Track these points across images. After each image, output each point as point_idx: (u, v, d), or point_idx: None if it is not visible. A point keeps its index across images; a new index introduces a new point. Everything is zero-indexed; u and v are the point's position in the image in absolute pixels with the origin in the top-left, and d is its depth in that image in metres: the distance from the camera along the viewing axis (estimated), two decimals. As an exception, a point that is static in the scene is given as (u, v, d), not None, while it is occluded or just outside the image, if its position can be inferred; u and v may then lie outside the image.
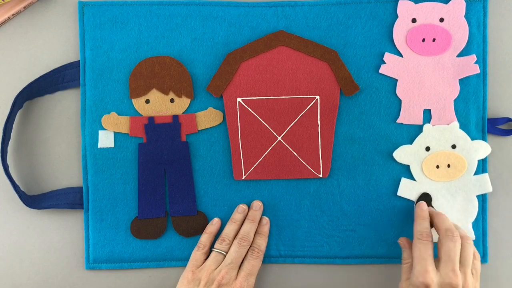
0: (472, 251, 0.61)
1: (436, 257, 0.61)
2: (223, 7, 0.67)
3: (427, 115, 0.67)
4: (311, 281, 0.68)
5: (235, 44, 0.67)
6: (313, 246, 0.68)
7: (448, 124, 0.67)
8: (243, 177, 0.67)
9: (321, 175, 0.67)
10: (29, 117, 0.68)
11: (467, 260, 0.60)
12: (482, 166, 0.67)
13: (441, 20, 0.66)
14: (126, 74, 0.67)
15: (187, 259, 0.67)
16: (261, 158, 0.67)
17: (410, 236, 0.67)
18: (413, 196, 0.67)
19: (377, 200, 0.67)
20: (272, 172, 0.67)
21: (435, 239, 0.64)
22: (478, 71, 0.66)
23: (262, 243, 0.66)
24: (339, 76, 0.66)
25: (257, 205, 0.67)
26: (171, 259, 0.68)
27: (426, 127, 0.67)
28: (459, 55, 0.66)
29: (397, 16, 0.66)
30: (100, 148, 0.67)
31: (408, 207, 0.67)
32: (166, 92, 0.67)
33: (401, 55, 0.67)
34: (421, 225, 0.62)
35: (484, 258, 0.68)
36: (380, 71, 0.67)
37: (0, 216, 0.68)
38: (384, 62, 0.67)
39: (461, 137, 0.67)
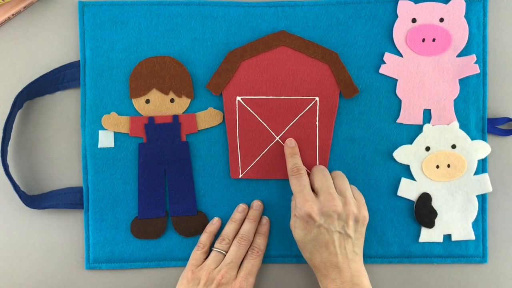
0: (346, 181, 0.64)
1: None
2: (223, 7, 0.67)
3: (427, 115, 0.67)
4: (311, 281, 0.68)
5: (235, 44, 0.67)
6: (313, 246, 0.68)
7: (448, 124, 0.67)
8: (240, 176, 0.67)
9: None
10: (29, 117, 0.68)
11: (343, 186, 0.63)
12: (482, 166, 0.67)
13: (441, 20, 0.66)
14: (126, 74, 0.67)
15: (187, 259, 0.67)
16: (258, 157, 0.67)
17: (410, 237, 0.67)
18: (413, 196, 0.67)
19: (377, 200, 0.67)
20: (269, 171, 0.67)
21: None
22: (478, 71, 0.66)
23: (262, 242, 0.66)
24: (339, 78, 0.66)
25: (257, 204, 0.67)
26: (171, 259, 0.68)
27: (426, 127, 0.67)
28: (459, 55, 0.66)
29: (397, 16, 0.66)
30: (100, 148, 0.67)
31: (408, 207, 0.67)
32: (166, 92, 0.67)
33: (401, 55, 0.67)
34: (290, 162, 0.65)
35: (484, 258, 0.68)
36: (380, 71, 0.67)
37: (0, 216, 0.68)
38: (384, 62, 0.67)
39: (461, 137, 0.67)
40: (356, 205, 0.62)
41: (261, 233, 0.67)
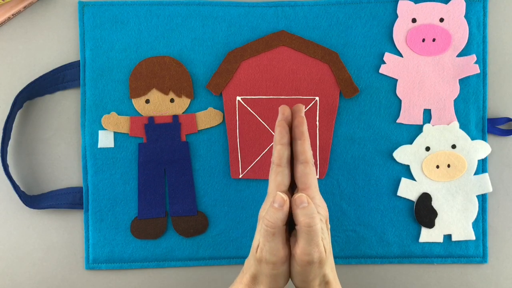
0: (313, 171, 0.54)
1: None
2: (223, 7, 0.67)
3: (427, 115, 0.67)
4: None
5: (235, 44, 0.67)
6: (313, 246, 0.68)
7: (448, 124, 0.67)
8: (240, 176, 0.67)
9: (317, 176, 0.67)
10: (29, 117, 0.68)
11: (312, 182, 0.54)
12: (482, 166, 0.67)
13: (441, 20, 0.66)
14: (126, 74, 0.67)
15: (187, 259, 0.67)
16: (259, 157, 0.67)
17: (410, 237, 0.68)
18: (413, 196, 0.67)
19: (377, 200, 0.67)
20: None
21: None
22: (478, 71, 0.66)
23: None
24: (339, 78, 0.66)
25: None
26: (171, 259, 0.68)
27: (426, 127, 0.67)
28: (459, 55, 0.66)
29: (397, 16, 0.66)
30: (100, 148, 0.67)
31: (408, 207, 0.67)
32: (166, 92, 0.67)
33: (401, 55, 0.67)
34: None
35: (484, 258, 0.68)
36: (380, 71, 0.67)
37: (0, 216, 0.68)
38: (384, 62, 0.67)
39: (461, 137, 0.67)
40: (324, 208, 0.54)
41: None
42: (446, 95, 0.67)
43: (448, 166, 0.67)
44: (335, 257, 0.68)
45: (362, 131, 0.67)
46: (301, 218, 0.50)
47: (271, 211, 0.51)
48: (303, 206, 0.51)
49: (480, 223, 0.67)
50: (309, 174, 0.53)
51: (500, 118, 0.67)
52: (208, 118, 0.67)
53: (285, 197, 0.51)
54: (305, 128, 0.53)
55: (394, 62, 0.67)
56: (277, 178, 0.53)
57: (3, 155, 0.66)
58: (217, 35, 0.67)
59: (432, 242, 0.67)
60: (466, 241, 0.67)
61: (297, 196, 0.51)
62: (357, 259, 0.68)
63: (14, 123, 0.67)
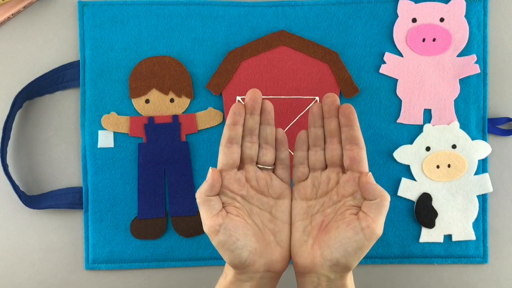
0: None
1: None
2: (223, 7, 0.67)
3: (427, 115, 0.67)
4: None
5: (235, 44, 0.67)
6: (313, 246, 0.68)
7: (448, 124, 0.67)
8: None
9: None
10: (29, 117, 0.68)
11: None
12: (483, 166, 0.67)
13: (441, 20, 0.66)
14: (126, 74, 0.67)
15: (187, 259, 0.67)
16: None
17: (410, 237, 0.67)
18: (413, 196, 0.67)
19: (377, 200, 0.67)
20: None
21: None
22: (478, 71, 0.66)
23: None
24: (339, 78, 0.66)
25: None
26: (171, 259, 0.68)
27: (426, 127, 0.67)
28: (459, 55, 0.66)
29: (397, 16, 0.66)
30: (100, 148, 0.67)
31: (409, 207, 0.67)
32: (166, 92, 0.67)
33: (401, 55, 0.67)
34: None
35: (484, 258, 0.68)
36: (380, 71, 0.67)
37: (0, 216, 0.68)
38: (384, 62, 0.67)
39: (462, 137, 0.67)
40: None
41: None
42: (447, 95, 0.66)
43: (449, 166, 0.67)
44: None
45: (362, 131, 0.66)
46: (381, 192, 0.52)
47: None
48: (375, 183, 0.53)
49: (481, 223, 0.67)
50: (366, 160, 0.55)
51: (500, 118, 0.67)
52: (208, 118, 0.67)
53: (211, 171, 0.54)
54: (356, 114, 0.54)
55: (394, 62, 0.67)
56: (219, 157, 0.55)
57: (3, 155, 0.66)
58: (217, 35, 0.67)
59: (432, 242, 0.67)
60: (466, 241, 0.67)
61: (369, 174, 0.54)
62: (357, 259, 0.68)
63: (13, 123, 0.67)
